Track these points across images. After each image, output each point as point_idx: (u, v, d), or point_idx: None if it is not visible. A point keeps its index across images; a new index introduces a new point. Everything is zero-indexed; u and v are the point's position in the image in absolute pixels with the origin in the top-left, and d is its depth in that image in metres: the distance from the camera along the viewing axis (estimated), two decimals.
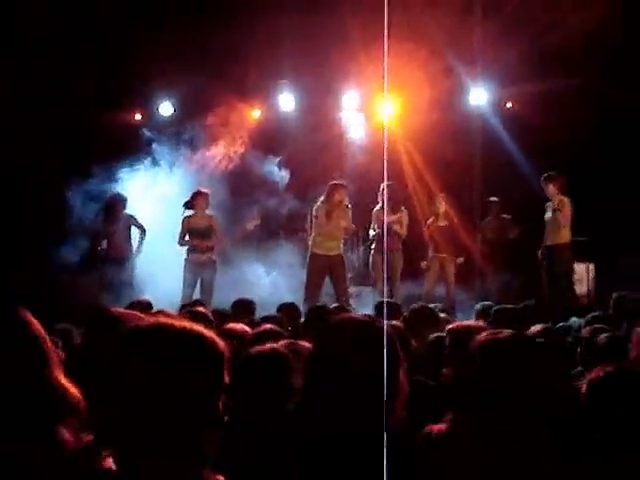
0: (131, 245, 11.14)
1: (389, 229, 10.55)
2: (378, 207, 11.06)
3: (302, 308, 7.67)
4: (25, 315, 1.87)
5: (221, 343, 1.84)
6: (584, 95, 11.59)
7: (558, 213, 10.52)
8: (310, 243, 10.71)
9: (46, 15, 11.44)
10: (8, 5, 11.17)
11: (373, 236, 11.11)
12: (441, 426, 2.49)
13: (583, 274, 11.34)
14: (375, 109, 12.85)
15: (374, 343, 2.16)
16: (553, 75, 11.52)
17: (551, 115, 11.37)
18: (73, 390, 1.84)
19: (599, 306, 8.01)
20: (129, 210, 11.27)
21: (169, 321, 1.84)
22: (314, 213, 10.65)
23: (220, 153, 12.46)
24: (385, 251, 10.72)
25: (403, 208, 10.99)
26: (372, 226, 11.18)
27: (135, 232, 11.20)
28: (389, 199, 10.84)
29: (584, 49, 11.44)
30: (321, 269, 10.42)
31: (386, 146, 10.33)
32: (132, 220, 11.17)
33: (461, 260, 11.41)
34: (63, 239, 11.14)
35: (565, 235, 10.66)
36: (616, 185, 11.75)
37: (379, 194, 10.96)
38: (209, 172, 12.30)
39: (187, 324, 1.84)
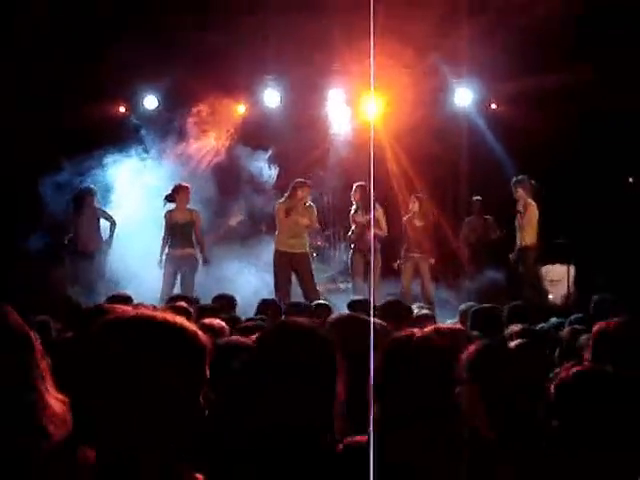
0: (100, 238, 11.01)
1: (368, 228, 10.61)
2: (354, 209, 11.12)
3: None
4: (8, 310, 1.86)
5: (203, 336, 1.83)
6: (568, 96, 11.62)
7: (522, 215, 10.80)
8: (275, 240, 10.73)
9: (46, 15, 11.38)
10: (8, 5, 11.10)
11: (349, 236, 11.17)
12: (362, 437, 2.49)
13: (563, 276, 11.37)
14: (360, 107, 12.85)
15: (313, 351, 2.24)
16: (537, 76, 11.54)
17: (535, 116, 11.42)
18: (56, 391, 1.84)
19: (579, 308, 8.04)
20: (113, 202, 11.20)
21: (150, 313, 1.84)
22: (275, 210, 10.69)
23: (208, 145, 12.41)
24: (369, 249, 10.75)
25: (378, 207, 11.00)
26: (352, 227, 11.22)
27: (106, 226, 11.09)
28: (361, 199, 10.91)
29: (568, 50, 11.50)
30: (285, 266, 10.43)
31: (372, 144, 10.35)
32: (101, 212, 11.05)
33: (432, 261, 11.35)
34: (34, 230, 11.05)
35: (529, 238, 10.91)
36: (598, 186, 11.81)
37: (352, 195, 11.02)
38: (196, 165, 12.24)
39: (169, 316, 1.83)
